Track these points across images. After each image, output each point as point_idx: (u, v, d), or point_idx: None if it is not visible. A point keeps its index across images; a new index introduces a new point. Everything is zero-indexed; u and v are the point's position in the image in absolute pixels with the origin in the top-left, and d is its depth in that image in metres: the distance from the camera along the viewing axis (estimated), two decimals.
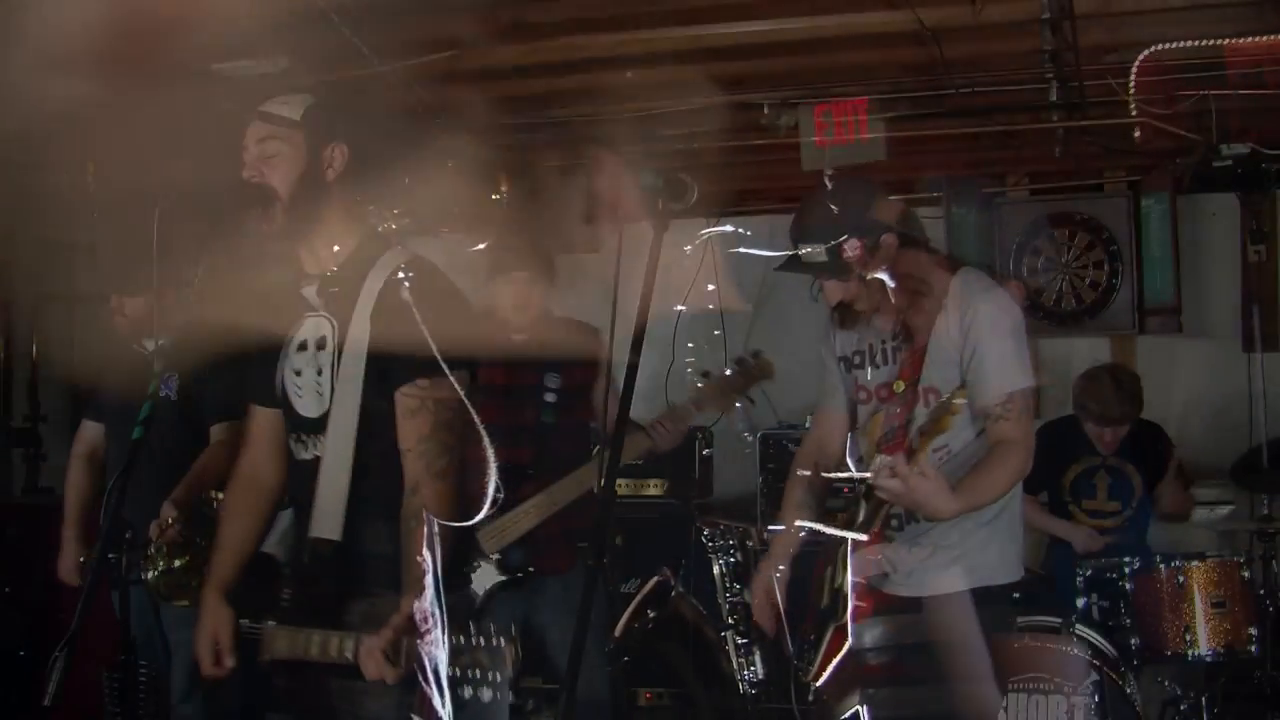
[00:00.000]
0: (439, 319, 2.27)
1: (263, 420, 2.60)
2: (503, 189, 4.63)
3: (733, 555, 4.54)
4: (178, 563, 3.58)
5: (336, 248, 2.42)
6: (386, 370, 2.33)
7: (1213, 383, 5.72)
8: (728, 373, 3.69)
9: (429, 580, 2.19)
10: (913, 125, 4.72)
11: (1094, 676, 3.73)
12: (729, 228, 2.57)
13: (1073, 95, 4.27)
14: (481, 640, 2.06)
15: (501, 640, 2.05)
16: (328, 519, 2.35)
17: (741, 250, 2.58)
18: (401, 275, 2.32)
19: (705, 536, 4.65)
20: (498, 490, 3.59)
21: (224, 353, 4.05)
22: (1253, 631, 4.01)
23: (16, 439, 6.46)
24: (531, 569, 3.55)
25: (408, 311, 2.28)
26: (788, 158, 5.41)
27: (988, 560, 2.75)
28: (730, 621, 4.48)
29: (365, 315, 2.34)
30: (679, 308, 2.62)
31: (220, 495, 3.74)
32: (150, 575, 3.54)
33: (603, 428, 3.85)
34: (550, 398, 3.66)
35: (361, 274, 2.38)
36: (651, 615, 3.88)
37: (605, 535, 2.07)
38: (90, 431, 4.20)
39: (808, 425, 3.73)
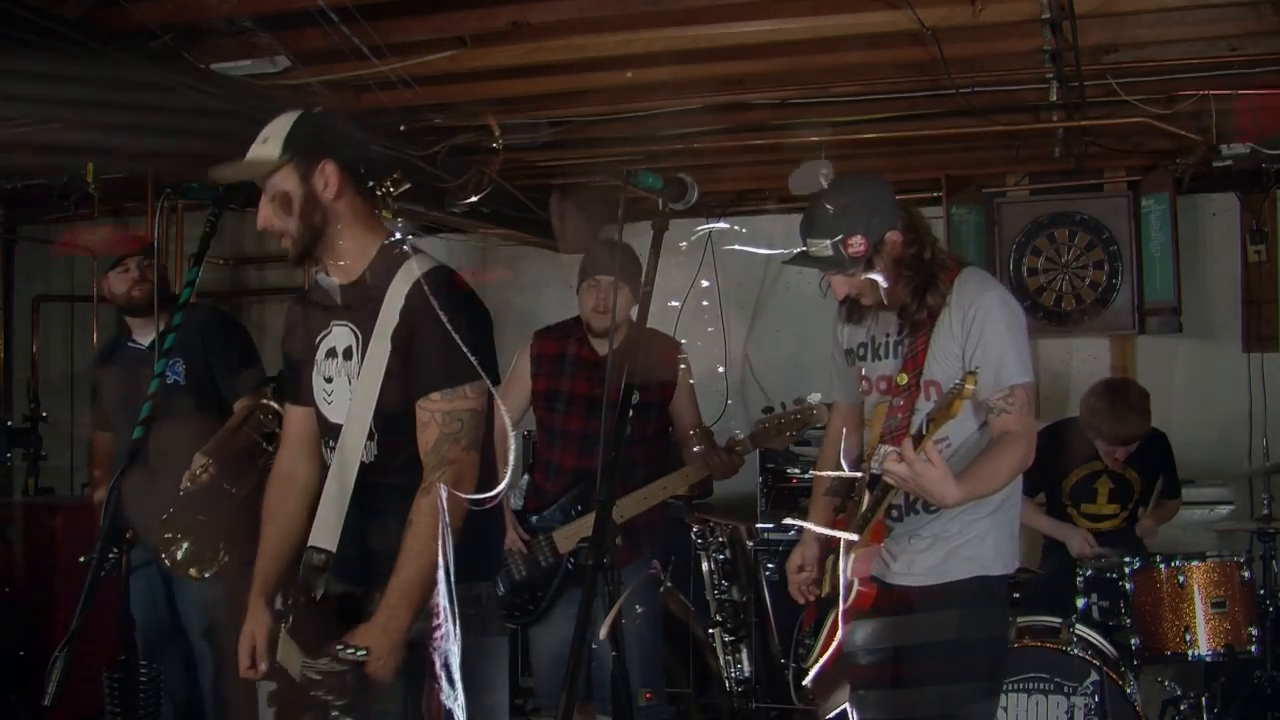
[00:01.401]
0: (457, 329, 2.25)
1: (294, 419, 2.58)
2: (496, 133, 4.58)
3: (722, 552, 4.54)
4: (197, 541, 3.77)
5: (356, 259, 2.41)
6: (406, 381, 2.31)
7: (1213, 383, 5.71)
8: (788, 412, 3.76)
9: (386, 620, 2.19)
10: (913, 125, 4.72)
11: (1094, 676, 3.74)
12: (725, 224, 2.57)
13: (1073, 95, 4.27)
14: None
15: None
16: (324, 529, 2.33)
17: (738, 247, 2.58)
18: (422, 283, 2.29)
19: (695, 533, 4.65)
20: (569, 497, 3.70)
21: (237, 338, 4.12)
22: (1253, 631, 4.00)
23: (16, 439, 6.46)
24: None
25: (426, 322, 2.26)
26: (788, 158, 5.43)
27: (985, 551, 2.78)
28: (718, 618, 4.47)
29: (388, 328, 2.32)
30: (674, 303, 2.62)
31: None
32: (179, 555, 3.74)
33: (680, 440, 3.90)
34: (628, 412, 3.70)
35: (383, 285, 2.35)
36: (639, 610, 3.88)
37: (604, 537, 2.06)
38: (101, 441, 4.20)
39: None
